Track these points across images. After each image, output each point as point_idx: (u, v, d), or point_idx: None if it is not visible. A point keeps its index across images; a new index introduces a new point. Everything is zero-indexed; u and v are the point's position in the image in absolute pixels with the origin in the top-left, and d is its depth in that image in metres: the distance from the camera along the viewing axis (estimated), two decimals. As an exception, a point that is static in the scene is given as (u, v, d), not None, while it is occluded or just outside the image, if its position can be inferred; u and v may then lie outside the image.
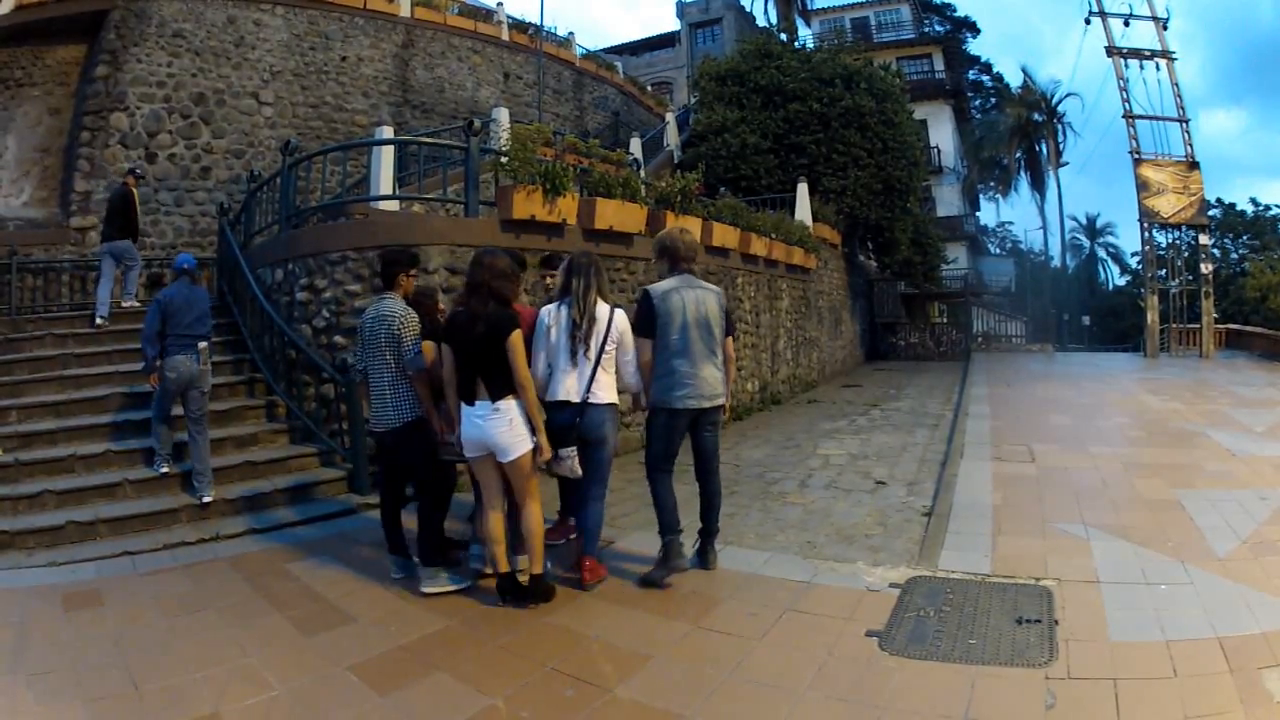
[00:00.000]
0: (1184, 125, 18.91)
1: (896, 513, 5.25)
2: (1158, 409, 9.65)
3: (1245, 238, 36.97)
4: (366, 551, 4.62)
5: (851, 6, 32.96)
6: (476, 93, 18.72)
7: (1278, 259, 28.18)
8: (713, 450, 4.16)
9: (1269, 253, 32.28)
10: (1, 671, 3.14)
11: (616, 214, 7.54)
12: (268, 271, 7.46)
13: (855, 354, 18.03)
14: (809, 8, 33.88)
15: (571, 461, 3.75)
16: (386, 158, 9.77)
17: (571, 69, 22.19)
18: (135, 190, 8.90)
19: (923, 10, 35.18)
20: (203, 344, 5.55)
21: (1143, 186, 18.68)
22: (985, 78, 42.36)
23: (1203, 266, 19.05)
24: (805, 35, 29.56)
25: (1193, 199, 18.71)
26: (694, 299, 4.01)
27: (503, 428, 3.58)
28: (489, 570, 3.93)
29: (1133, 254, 41.50)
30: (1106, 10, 19.65)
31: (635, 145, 16.46)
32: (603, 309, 3.89)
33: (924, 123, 25.44)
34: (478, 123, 7.06)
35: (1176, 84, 18.93)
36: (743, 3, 35.13)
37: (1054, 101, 36.18)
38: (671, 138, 18.92)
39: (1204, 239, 19.94)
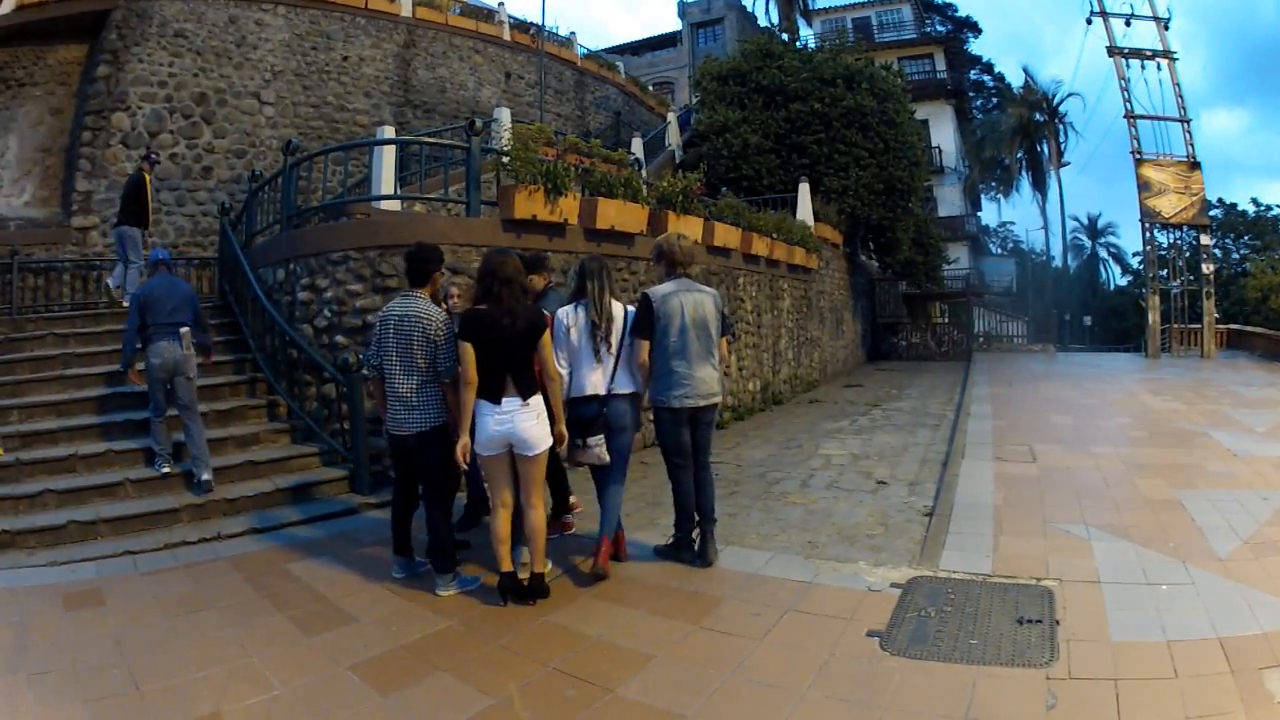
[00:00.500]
0: (1185, 125, 18.92)
1: (898, 513, 5.25)
2: (1159, 409, 9.65)
3: (1246, 238, 36.96)
4: (368, 551, 4.62)
5: (853, 6, 32.96)
6: (478, 93, 18.73)
7: (1279, 259, 28.14)
8: (705, 445, 4.34)
9: (1270, 253, 32.26)
10: (2, 671, 3.14)
11: (618, 214, 7.54)
12: (269, 271, 7.46)
13: (857, 354, 18.03)
14: (810, 8, 33.87)
15: (600, 449, 4.02)
16: (388, 158, 9.79)
17: (573, 69, 22.20)
18: (149, 176, 8.91)
19: (924, 10, 35.16)
20: (184, 329, 5.57)
21: (1144, 186, 18.68)
22: (987, 78, 42.37)
23: (1204, 267, 19.06)
24: (807, 35, 29.65)
25: (1194, 199, 18.71)
26: (692, 302, 4.19)
27: (533, 423, 3.67)
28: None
29: (1134, 254, 41.61)
30: (1108, 10, 19.66)
31: (637, 145, 16.47)
32: (617, 308, 4.18)
33: (925, 123, 25.44)
34: (479, 123, 7.05)
35: (1178, 84, 18.95)
36: (744, 3, 35.19)
37: (1055, 101, 36.11)
38: (673, 138, 18.93)
39: (1205, 239, 19.94)
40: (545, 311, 3.99)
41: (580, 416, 4.01)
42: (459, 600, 3.83)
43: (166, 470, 5.50)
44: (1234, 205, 37.62)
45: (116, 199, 10.00)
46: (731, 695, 2.88)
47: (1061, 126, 36.39)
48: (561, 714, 2.80)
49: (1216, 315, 19.42)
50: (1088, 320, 39.34)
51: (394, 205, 8.67)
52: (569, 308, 4.16)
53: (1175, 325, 19.43)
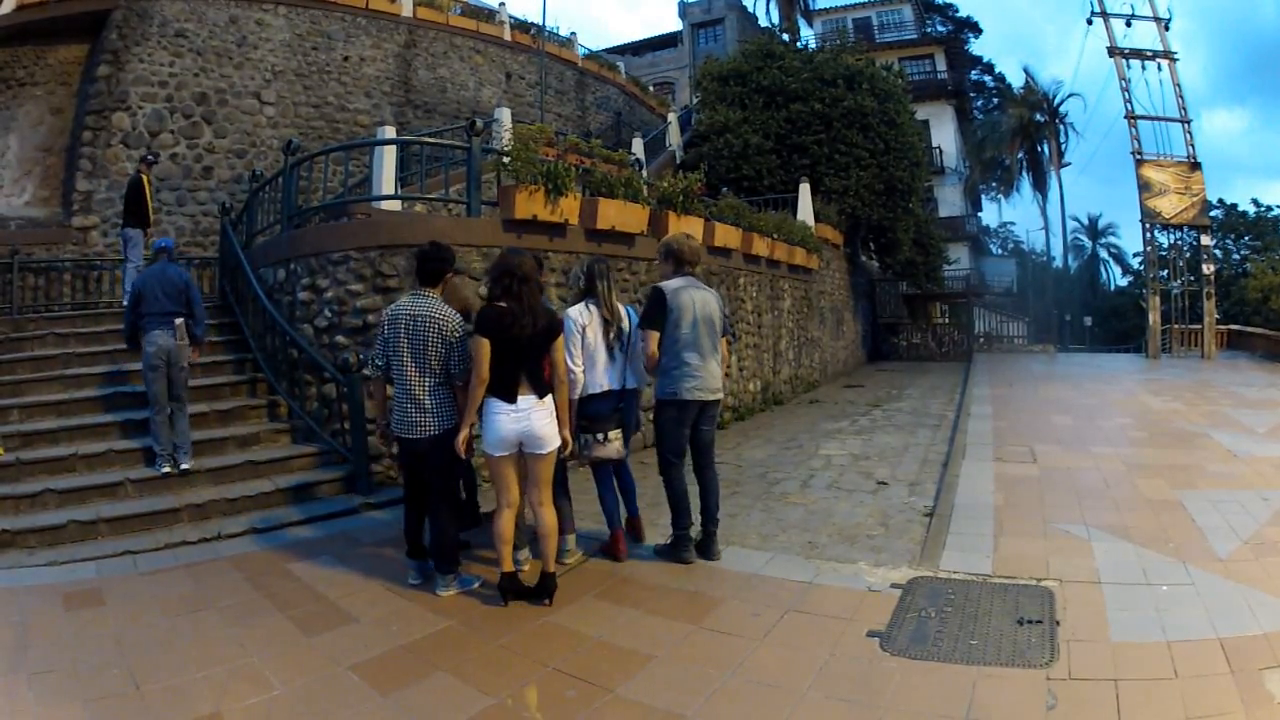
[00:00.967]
0: (1186, 126, 18.92)
1: (898, 513, 5.25)
2: (1159, 409, 9.65)
3: (1247, 238, 36.91)
4: (368, 551, 4.62)
5: (854, 7, 32.96)
6: (478, 93, 18.73)
7: (1279, 260, 28.12)
8: (709, 444, 4.40)
9: (1270, 253, 32.21)
10: (2, 671, 3.14)
11: (619, 214, 7.53)
12: (270, 271, 7.46)
13: (857, 354, 18.02)
14: (811, 8, 33.91)
15: (618, 443, 4.18)
16: (388, 158, 9.79)
17: (574, 69, 22.20)
18: (147, 177, 8.91)
19: (925, 10, 35.16)
20: (179, 320, 5.60)
21: (1145, 187, 18.68)
22: (987, 78, 42.34)
23: (1204, 267, 19.05)
24: (807, 35, 29.62)
25: (1194, 199, 18.71)
26: (700, 299, 4.28)
27: (547, 421, 3.69)
28: (526, 567, 4.03)
29: (1134, 255, 41.58)
30: (1108, 11, 19.66)
31: (637, 145, 16.47)
32: (621, 308, 4.36)
33: (926, 123, 25.45)
34: (480, 123, 7.05)
35: (1178, 84, 18.95)
36: (745, 3, 35.20)
37: (1056, 102, 36.12)
38: (674, 138, 18.92)
39: (1206, 240, 19.94)
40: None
41: (598, 412, 4.16)
42: (459, 600, 3.83)
43: (167, 470, 5.49)
44: (1234, 206, 37.60)
45: (117, 199, 10.03)
46: (731, 695, 2.88)
47: (1062, 127, 36.40)
48: (562, 714, 2.80)
49: (1217, 316, 19.42)
50: (1088, 321, 39.33)
51: (395, 205, 8.67)
52: (580, 307, 4.26)
53: (1176, 326, 19.43)
